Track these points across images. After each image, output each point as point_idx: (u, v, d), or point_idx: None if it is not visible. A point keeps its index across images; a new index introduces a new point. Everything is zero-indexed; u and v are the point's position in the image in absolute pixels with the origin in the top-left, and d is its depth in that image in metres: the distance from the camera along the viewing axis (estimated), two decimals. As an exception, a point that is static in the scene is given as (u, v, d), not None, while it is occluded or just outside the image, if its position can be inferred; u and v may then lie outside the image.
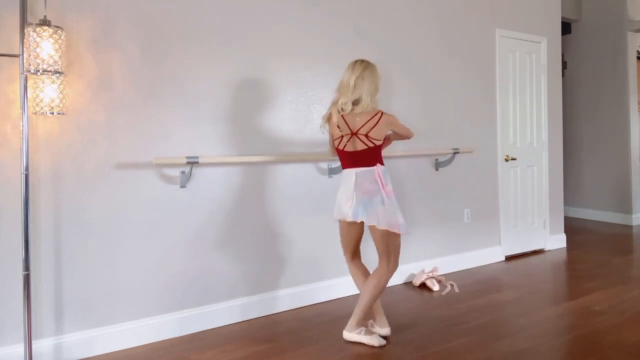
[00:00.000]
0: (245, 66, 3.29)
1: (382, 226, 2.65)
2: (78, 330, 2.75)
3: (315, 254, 3.58)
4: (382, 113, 2.70)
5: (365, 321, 2.93)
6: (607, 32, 6.36)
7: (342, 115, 2.71)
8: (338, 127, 2.73)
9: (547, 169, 5.10)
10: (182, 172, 3.02)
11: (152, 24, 2.96)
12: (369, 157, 2.69)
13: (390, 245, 2.75)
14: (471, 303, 3.52)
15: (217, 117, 3.18)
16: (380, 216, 2.64)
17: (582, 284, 3.90)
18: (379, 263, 2.82)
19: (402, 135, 2.86)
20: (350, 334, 2.84)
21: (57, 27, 2.49)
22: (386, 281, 2.82)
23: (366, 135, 2.66)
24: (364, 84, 2.67)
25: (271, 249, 3.40)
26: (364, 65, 2.72)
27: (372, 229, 2.71)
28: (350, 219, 2.71)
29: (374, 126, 2.66)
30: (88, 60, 2.76)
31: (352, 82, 2.68)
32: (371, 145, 2.68)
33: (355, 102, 2.69)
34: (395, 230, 2.68)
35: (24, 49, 2.44)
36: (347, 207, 2.70)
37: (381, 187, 2.66)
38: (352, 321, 2.84)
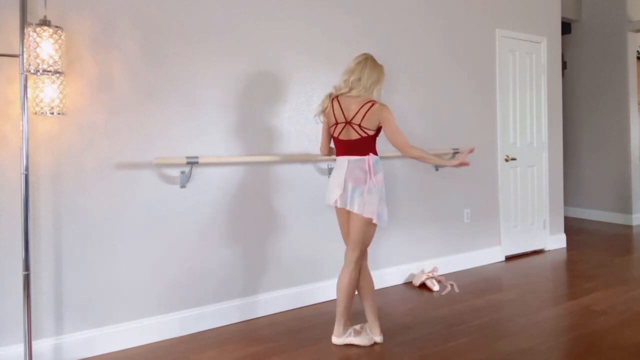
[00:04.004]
0: (245, 66, 3.29)
1: (366, 214, 2.67)
2: (78, 330, 2.75)
3: (315, 254, 3.58)
4: (374, 102, 2.70)
5: (351, 323, 2.90)
6: (607, 32, 6.35)
7: (338, 100, 2.74)
8: (334, 114, 2.76)
9: (547, 169, 5.10)
10: (182, 172, 3.02)
11: (152, 24, 2.96)
12: (362, 146, 2.71)
13: (366, 236, 2.76)
14: (471, 303, 3.52)
15: (217, 117, 3.18)
16: (364, 204, 2.66)
17: (582, 284, 3.90)
18: (346, 254, 2.81)
19: (389, 133, 2.66)
20: (340, 339, 2.82)
21: (57, 27, 2.49)
22: (356, 276, 2.79)
23: (359, 125, 2.69)
24: (364, 70, 2.71)
25: (271, 249, 3.40)
26: (367, 56, 2.79)
27: (354, 216, 2.72)
28: (339, 205, 2.74)
29: (365, 115, 2.67)
30: (88, 60, 2.76)
31: (352, 66, 2.75)
32: (364, 135, 2.70)
33: (353, 85, 2.71)
34: (376, 221, 2.70)
35: (24, 49, 2.43)
36: (337, 194, 2.73)
37: (370, 176, 2.68)
38: (338, 326, 2.83)
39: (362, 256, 2.80)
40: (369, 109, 2.67)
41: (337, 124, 2.75)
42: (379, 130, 2.75)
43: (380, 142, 2.87)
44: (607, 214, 6.47)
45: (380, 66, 2.79)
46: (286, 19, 3.46)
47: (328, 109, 2.79)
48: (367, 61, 2.74)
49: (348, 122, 2.70)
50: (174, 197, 3.03)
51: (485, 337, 2.92)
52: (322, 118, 2.87)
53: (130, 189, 2.89)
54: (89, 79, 2.77)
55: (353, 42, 3.70)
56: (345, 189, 2.69)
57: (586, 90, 6.65)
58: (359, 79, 2.70)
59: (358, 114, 2.68)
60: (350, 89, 2.72)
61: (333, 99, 2.78)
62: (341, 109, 2.73)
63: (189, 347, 2.87)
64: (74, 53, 2.71)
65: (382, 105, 2.70)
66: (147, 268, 2.95)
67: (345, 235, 2.88)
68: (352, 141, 2.71)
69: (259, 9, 3.34)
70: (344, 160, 2.73)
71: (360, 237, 2.75)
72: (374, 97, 2.72)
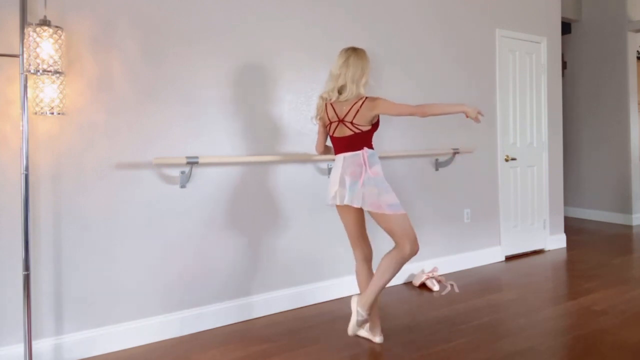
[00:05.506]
0: (245, 66, 3.29)
1: (367, 207, 2.64)
2: (78, 330, 2.75)
3: (315, 254, 3.58)
4: (365, 99, 2.70)
5: (371, 310, 2.84)
6: (607, 32, 6.35)
7: (331, 104, 2.77)
8: (327, 116, 2.79)
9: (547, 169, 5.10)
10: (182, 172, 3.02)
11: (152, 24, 2.96)
12: (356, 142, 2.72)
13: (393, 227, 2.65)
14: (471, 303, 3.52)
15: (217, 117, 3.18)
16: (364, 198, 2.64)
17: (582, 284, 3.90)
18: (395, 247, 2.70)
19: (398, 114, 2.75)
20: (359, 330, 2.81)
21: (57, 27, 2.49)
22: (398, 263, 2.66)
23: (351, 123, 2.70)
24: (348, 72, 2.71)
25: (271, 249, 3.40)
26: (348, 53, 2.77)
27: (371, 213, 2.68)
28: (337, 202, 2.72)
29: (357, 113, 2.69)
30: (88, 60, 2.76)
31: (337, 71, 2.75)
32: (357, 131, 2.71)
33: (341, 90, 2.74)
34: (381, 211, 2.62)
35: (24, 49, 2.44)
36: (334, 191, 2.72)
37: (365, 168, 2.67)
38: (366, 301, 2.69)
39: (409, 246, 2.65)
40: (360, 106, 2.69)
41: (331, 123, 2.79)
42: (374, 126, 2.76)
43: (378, 142, 2.86)
44: (607, 214, 6.47)
45: (362, 54, 2.77)
46: (286, 19, 3.46)
47: (323, 113, 2.83)
48: (349, 60, 2.73)
49: (341, 121, 2.73)
50: (174, 197, 3.03)
51: (485, 337, 2.92)
52: (317, 120, 2.91)
53: (130, 189, 2.89)
54: (89, 79, 2.77)
55: (353, 42, 3.67)
56: (342, 185, 2.69)
57: (586, 90, 6.65)
58: (345, 85, 2.72)
59: (350, 113, 2.70)
60: (339, 95, 2.74)
61: (326, 104, 2.80)
62: (334, 111, 2.77)
63: (189, 347, 2.87)
64: (74, 53, 2.71)
65: (371, 99, 2.69)
66: (147, 268, 2.95)
67: (351, 233, 2.85)
68: (346, 137, 2.73)
69: (259, 9, 3.34)
70: (340, 158, 2.76)
71: (389, 229, 2.66)
72: (362, 91, 2.73)
